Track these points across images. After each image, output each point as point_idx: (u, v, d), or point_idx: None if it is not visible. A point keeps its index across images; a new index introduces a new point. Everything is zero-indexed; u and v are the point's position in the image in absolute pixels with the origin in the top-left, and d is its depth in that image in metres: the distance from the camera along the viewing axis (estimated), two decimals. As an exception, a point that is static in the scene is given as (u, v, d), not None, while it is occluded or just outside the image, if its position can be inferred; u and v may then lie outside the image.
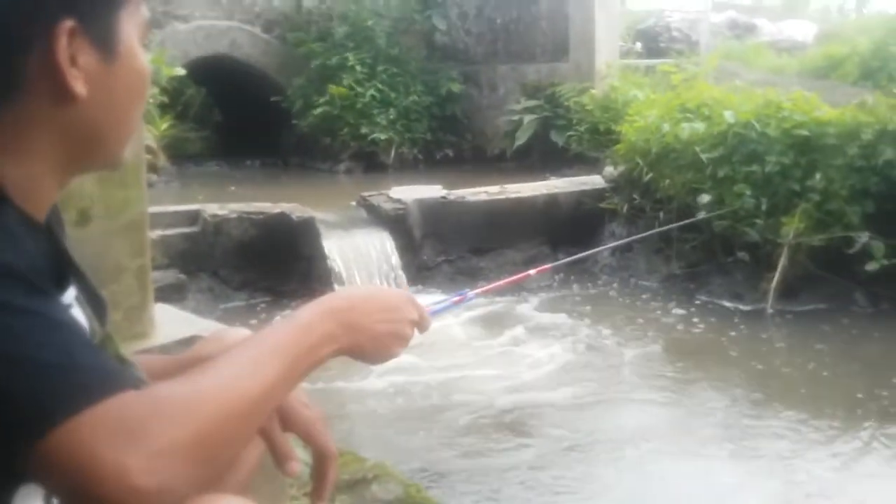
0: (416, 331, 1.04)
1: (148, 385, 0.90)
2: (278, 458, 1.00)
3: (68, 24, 0.80)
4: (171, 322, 1.69)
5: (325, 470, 1.04)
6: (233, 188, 6.54)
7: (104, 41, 0.84)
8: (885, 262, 4.66)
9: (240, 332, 1.27)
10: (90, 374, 0.73)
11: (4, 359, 0.69)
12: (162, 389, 0.78)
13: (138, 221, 1.60)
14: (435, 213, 5.76)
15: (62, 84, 0.81)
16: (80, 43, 0.82)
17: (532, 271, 1.43)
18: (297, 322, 0.90)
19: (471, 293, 1.19)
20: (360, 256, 5.31)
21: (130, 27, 0.88)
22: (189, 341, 1.48)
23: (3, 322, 0.71)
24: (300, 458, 1.12)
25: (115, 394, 0.72)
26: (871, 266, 4.69)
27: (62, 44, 0.80)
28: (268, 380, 0.83)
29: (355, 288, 1.02)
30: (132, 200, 1.60)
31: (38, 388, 0.70)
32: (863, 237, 4.73)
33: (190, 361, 1.10)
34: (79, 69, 0.81)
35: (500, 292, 5.43)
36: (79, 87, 0.82)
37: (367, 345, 0.97)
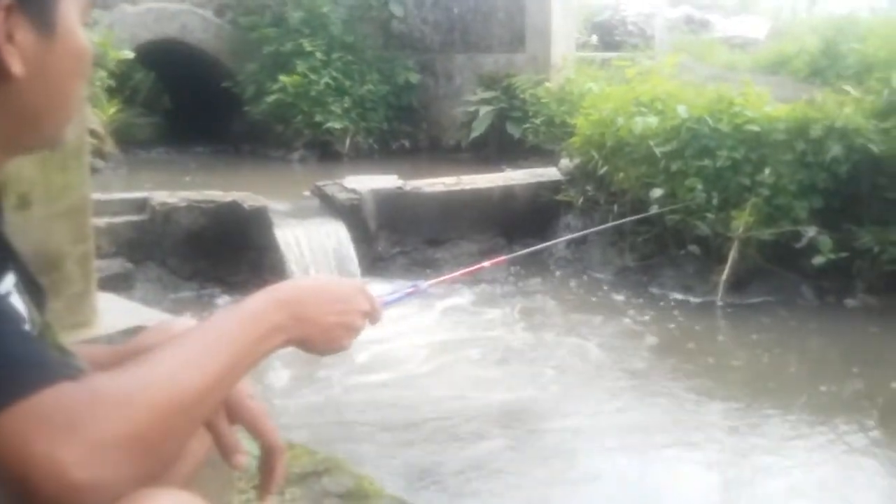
0: (367, 322, 1.02)
1: (88, 376, 0.86)
2: (224, 450, 0.98)
3: (5, 0, 0.77)
4: (115, 311, 1.63)
5: (273, 463, 1.01)
6: (188, 178, 6.39)
7: (42, 19, 0.81)
8: (832, 256, 4.77)
9: (186, 323, 1.24)
10: (24, 364, 0.70)
11: None
12: (101, 381, 0.75)
13: (80, 206, 1.53)
14: (390, 203, 5.72)
15: None
16: (17, 20, 0.79)
17: (486, 263, 1.41)
18: (244, 312, 0.87)
19: (424, 284, 1.17)
20: (313, 247, 5.24)
21: (70, 5, 0.85)
22: (134, 331, 1.43)
23: None
24: (248, 450, 1.09)
25: (51, 385, 0.69)
26: (818, 260, 4.79)
27: None
28: (213, 372, 0.80)
29: (305, 278, 0.99)
30: (73, 185, 1.54)
31: None
32: (810, 231, 4.83)
33: (133, 352, 1.07)
34: (15, 46, 0.79)
35: (454, 284, 5.43)
36: (15, 65, 0.79)
37: (317, 336, 0.94)
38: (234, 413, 0.98)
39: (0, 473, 0.67)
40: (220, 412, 0.96)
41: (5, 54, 0.78)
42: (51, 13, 0.82)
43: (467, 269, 1.38)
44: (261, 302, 0.89)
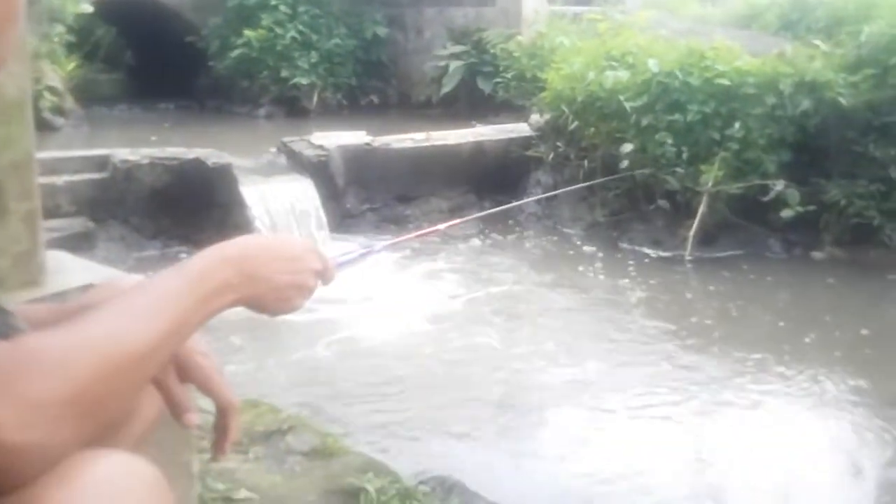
0: (319, 282, 0.98)
1: (25, 335, 0.81)
2: (175, 410, 0.95)
3: None
4: (66, 270, 1.57)
5: (227, 421, 0.98)
6: (153, 138, 6.24)
7: None
8: (800, 209, 4.79)
9: (136, 280, 1.19)
10: None
11: None
12: (37, 340, 0.71)
13: (24, 161, 1.46)
14: (359, 159, 5.63)
15: None
16: None
17: (441, 226, 1.38)
18: (191, 270, 0.83)
19: (378, 245, 1.14)
20: (280, 204, 5.16)
21: None
22: (85, 290, 1.37)
23: None
24: (204, 408, 1.06)
25: None
26: (786, 213, 4.82)
27: None
28: (156, 331, 0.77)
29: (255, 236, 0.95)
30: (16, 138, 1.46)
31: None
32: (778, 185, 4.85)
33: (80, 310, 1.03)
34: None
35: (423, 240, 5.40)
36: None
37: (268, 295, 0.90)
38: (184, 371, 0.94)
39: None
40: (169, 370, 0.92)
41: None
42: None
43: (421, 232, 1.35)
44: (209, 259, 0.85)
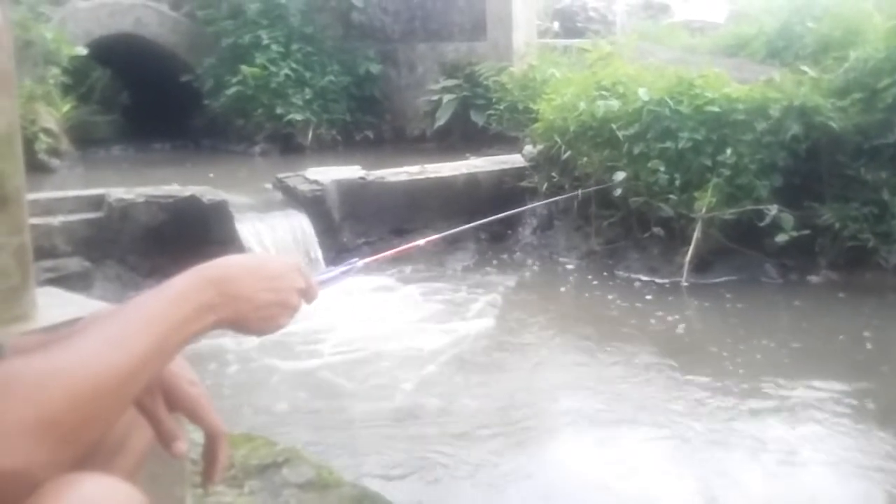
0: (302, 301, 0.97)
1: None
2: (164, 439, 0.94)
3: None
4: (56, 304, 1.57)
5: (215, 449, 0.97)
6: (146, 176, 6.24)
7: None
8: (794, 233, 4.80)
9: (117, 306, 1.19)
10: None
11: None
12: (14, 364, 0.71)
13: (14, 196, 1.46)
14: (354, 193, 5.65)
15: None
16: None
17: (421, 241, 1.38)
18: (170, 292, 0.82)
19: (359, 263, 1.14)
20: (276, 240, 5.17)
21: None
22: (74, 324, 1.37)
23: None
24: (198, 441, 1.05)
25: None
26: (781, 238, 4.83)
27: None
28: (135, 354, 0.76)
29: (236, 256, 0.94)
30: (6, 174, 1.46)
31: None
32: (772, 210, 4.86)
33: (61, 338, 1.03)
34: None
35: (415, 270, 5.41)
36: None
37: (251, 315, 0.90)
38: (172, 399, 0.94)
39: None
40: (157, 399, 0.92)
41: None
42: None
43: (401, 248, 1.35)
44: (188, 280, 0.85)
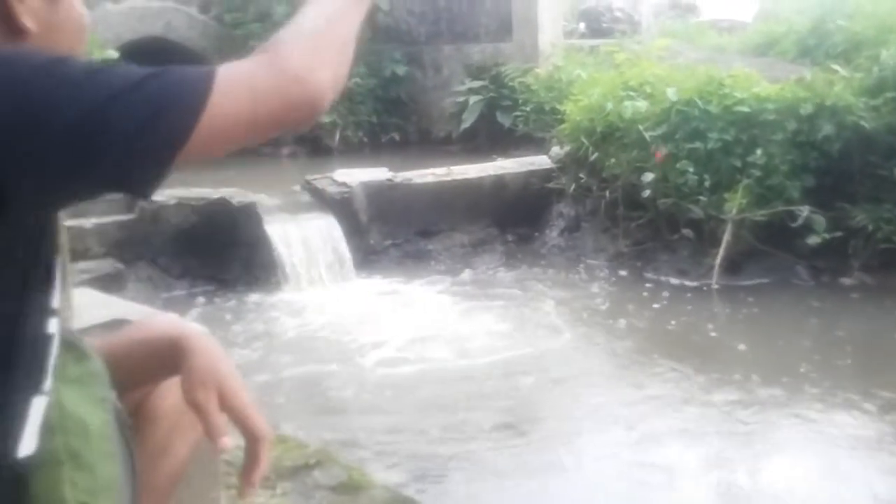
0: None
1: None
2: (212, 433, 1.04)
3: None
4: (93, 306, 1.59)
5: (257, 451, 1.06)
6: (189, 179, 6.30)
7: None
8: (826, 235, 4.74)
9: (168, 317, 1.26)
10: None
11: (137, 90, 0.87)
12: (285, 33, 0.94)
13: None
14: (381, 195, 5.68)
15: (12, 19, 0.89)
16: None
17: None
18: None
19: None
20: (305, 241, 5.21)
21: None
22: (111, 325, 1.40)
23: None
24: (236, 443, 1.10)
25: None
26: (813, 240, 4.77)
27: None
28: (350, 23, 0.99)
29: None
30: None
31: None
32: (804, 211, 4.80)
33: (119, 345, 1.10)
34: (25, 5, 0.90)
35: (442, 272, 5.41)
36: (28, 21, 0.90)
37: None
38: (223, 400, 1.05)
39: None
40: (212, 396, 1.04)
41: (20, 11, 0.89)
42: None
43: None
44: None
